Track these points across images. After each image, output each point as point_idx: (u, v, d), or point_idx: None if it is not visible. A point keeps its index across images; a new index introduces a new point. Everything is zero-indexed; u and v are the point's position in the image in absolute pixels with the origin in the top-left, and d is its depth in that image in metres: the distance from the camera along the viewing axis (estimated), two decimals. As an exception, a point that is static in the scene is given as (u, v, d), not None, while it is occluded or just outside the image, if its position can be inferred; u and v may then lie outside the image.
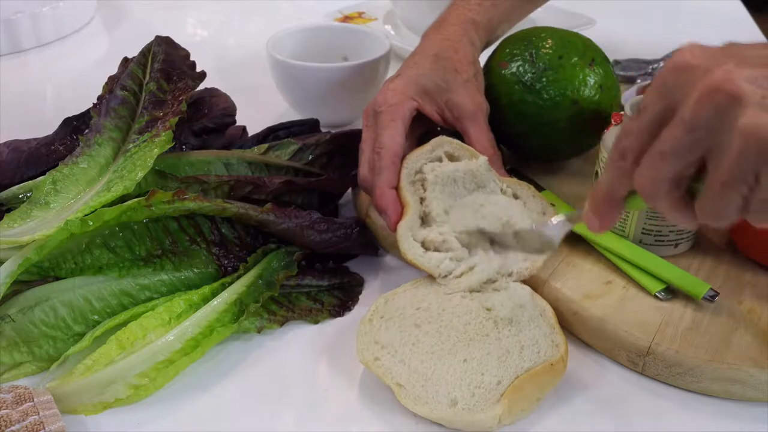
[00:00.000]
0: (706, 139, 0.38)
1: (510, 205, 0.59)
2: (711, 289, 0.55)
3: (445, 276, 0.57)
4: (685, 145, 0.39)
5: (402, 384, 0.49)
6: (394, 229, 0.58)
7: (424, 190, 0.60)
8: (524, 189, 0.61)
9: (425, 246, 0.58)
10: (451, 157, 0.61)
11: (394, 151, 0.61)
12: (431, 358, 0.51)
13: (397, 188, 0.60)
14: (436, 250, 0.58)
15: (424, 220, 0.59)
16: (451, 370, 0.50)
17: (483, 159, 0.60)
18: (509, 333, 0.53)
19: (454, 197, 0.59)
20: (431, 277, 0.57)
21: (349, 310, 0.60)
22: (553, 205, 0.64)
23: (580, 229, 0.61)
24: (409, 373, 0.50)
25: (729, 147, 0.37)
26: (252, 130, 0.76)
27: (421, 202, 0.59)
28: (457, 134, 0.65)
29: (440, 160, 0.61)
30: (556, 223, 0.53)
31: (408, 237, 0.58)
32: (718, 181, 0.38)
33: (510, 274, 0.57)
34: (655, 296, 0.56)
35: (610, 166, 0.43)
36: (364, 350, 0.52)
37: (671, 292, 0.57)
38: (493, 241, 0.58)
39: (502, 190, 0.60)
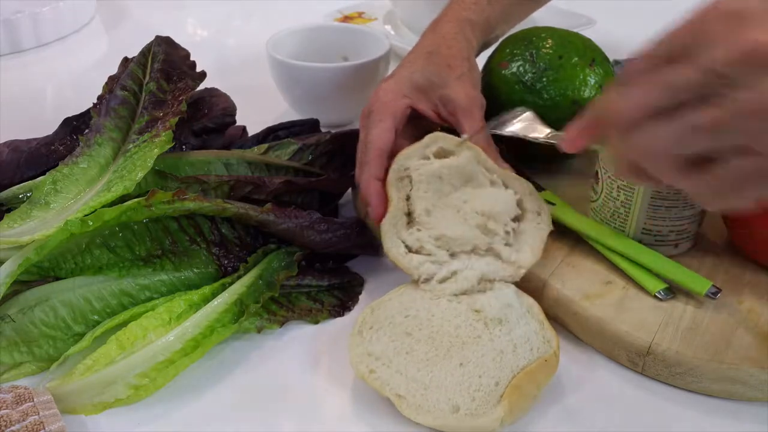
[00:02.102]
0: (718, 89, 0.36)
1: (497, 196, 0.58)
2: (713, 285, 0.55)
3: (426, 280, 0.57)
4: (693, 84, 0.37)
5: (401, 395, 0.49)
6: (379, 222, 0.58)
7: (411, 187, 0.59)
8: (522, 185, 0.60)
9: (408, 246, 0.58)
10: (446, 153, 0.61)
11: (378, 145, 0.61)
12: (427, 366, 0.51)
13: (384, 183, 0.60)
14: (417, 252, 0.58)
15: (410, 219, 0.59)
16: (449, 376, 0.50)
17: (468, 153, 0.59)
18: (500, 333, 0.53)
19: (439, 195, 0.59)
20: (416, 284, 0.57)
21: (349, 310, 0.60)
22: (554, 204, 0.64)
23: (581, 228, 0.62)
24: (407, 382, 0.50)
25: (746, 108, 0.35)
26: (252, 130, 0.76)
27: (407, 200, 0.59)
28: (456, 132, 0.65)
29: (431, 156, 0.61)
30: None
31: (391, 235, 0.57)
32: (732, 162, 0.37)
33: (491, 281, 0.57)
34: (655, 296, 0.56)
35: (614, 94, 0.41)
36: (358, 363, 0.51)
37: (671, 291, 0.57)
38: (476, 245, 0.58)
39: (492, 181, 0.59)
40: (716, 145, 0.37)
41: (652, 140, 0.39)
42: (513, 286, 0.56)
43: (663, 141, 0.38)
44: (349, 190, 0.71)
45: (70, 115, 0.70)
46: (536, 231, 0.58)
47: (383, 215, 0.58)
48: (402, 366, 0.51)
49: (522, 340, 0.52)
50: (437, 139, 0.61)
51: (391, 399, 0.49)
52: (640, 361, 0.53)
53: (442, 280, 0.56)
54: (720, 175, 0.37)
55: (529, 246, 0.58)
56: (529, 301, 0.55)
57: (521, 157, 0.72)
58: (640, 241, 0.60)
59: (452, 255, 0.58)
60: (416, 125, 0.65)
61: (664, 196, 0.58)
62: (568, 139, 0.45)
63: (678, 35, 0.39)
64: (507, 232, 0.58)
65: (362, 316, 0.54)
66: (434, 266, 0.57)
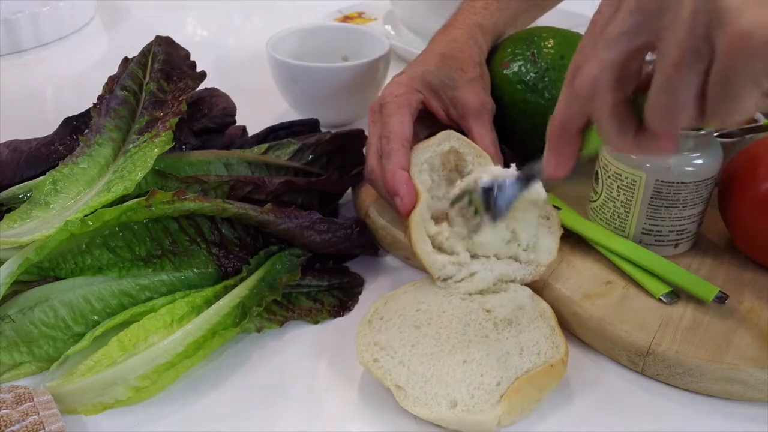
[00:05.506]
0: (652, 21, 0.37)
1: (528, 217, 0.58)
2: (720, 291, 0.55)
3: (445, 280, 0.57)
4: (630, 27, 0.38)
5: (401, 385, 0.49)
6: (407, 213, 0.58)
7: (431, 183, 0.60)
8: None
9: (432, 242, 0.58)
10: (457, 154, 0.61)
11: (402, 134, 0.61)
12: (431, 360, 0.51)
13: (409, 173, 0.59)
14: (440, 248, 0.58)
15: (434, 217, 0.59)
16: (451, 372, 0.50)
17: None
18: (509, 334, 0.53)
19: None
20: (431, 279, 0.57)
21: (349, 310, 0.60)
22: (559, 208, 0.64)
23: (586, 233, 0.61)
24: (409, 374, 0.50)
25: (677, 22, 0.36)
26: (252, 130, 0.76)
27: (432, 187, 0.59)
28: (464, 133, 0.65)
29: (448, 158, 0.61)
30: (514, 176, 0.53)
31: (421, 229, 0.57)
32: (670, 63, 0.36)
33: (513, 280, 0.57)
34: (660, 299, 0.56)
35: (564, 91, 0.42)
36: (363, 351, 0.52)
37: (675, 295, 0.56)
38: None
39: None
40: (635, 44, 0.38)
41: (667, 94, 0.37)
42: (529, 289, 0.56)
43: (601, 65, 0.39)
44: (349, 190, 0.71)
45: (70, 115, 0.70)
46: (549, 234, 0.58)
47: (413, 206, 0.58)
48: (406, 358, 0.51)
49: (530, 344, 0.52)
50: (449, 137, 0.61)
51: (390, 389, 0.49)
52: (640, 361, 0.53)
53: (460, 280, 0.57)
54: (657, 82, 0.37)
55: (545, 248, 0.58)
56: (544, 305, 0.55)
57: (522, 158, 0.72)
58: (640, 241, 0.60)
59: (474, 256, 0.58)
60: (423, 125, 0.65)
61: (664, 196, 0.58)
62: (547, 165, 0.44)
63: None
64: (528, 245, 0.58)
65: (374, 306, 0.55)
66: (455, 268, 0.57)
